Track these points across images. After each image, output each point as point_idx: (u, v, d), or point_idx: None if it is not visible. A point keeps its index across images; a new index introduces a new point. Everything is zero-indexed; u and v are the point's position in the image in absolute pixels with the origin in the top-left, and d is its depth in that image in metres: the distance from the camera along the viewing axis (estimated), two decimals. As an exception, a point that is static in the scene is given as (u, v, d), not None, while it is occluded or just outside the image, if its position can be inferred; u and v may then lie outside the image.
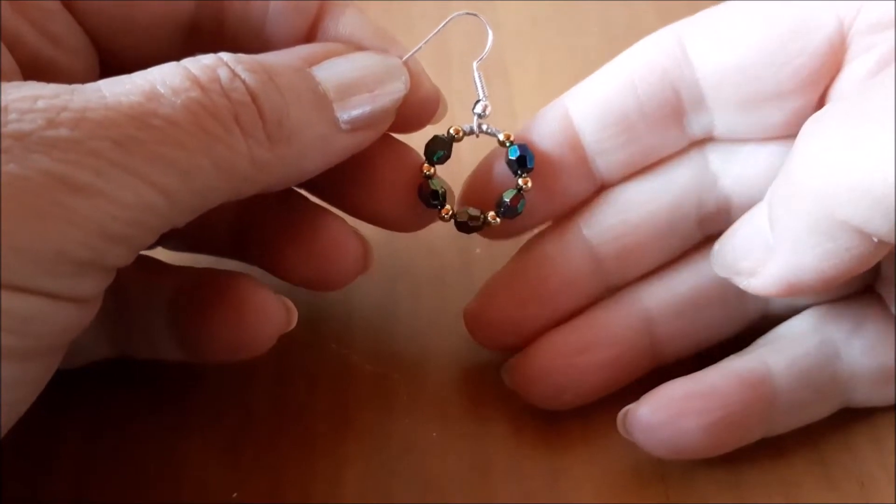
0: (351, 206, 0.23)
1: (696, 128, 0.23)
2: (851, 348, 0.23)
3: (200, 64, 0.18)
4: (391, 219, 0.23)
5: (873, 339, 0.23)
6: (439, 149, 0.22)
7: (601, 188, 0.24)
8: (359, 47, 0.21)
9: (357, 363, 0.25)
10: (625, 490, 0.22)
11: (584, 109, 0.23)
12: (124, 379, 0.24)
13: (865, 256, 0.19)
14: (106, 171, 0.16)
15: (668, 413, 0.22)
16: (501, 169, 0.23)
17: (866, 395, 0.23)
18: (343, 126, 0.20)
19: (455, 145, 0.22)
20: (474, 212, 0.22)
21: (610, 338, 0.23)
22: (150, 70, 0.18)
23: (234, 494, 0.22)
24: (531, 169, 0.22)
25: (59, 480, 0.22)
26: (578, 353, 0.23)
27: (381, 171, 0.22)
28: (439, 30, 0.22)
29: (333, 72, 0.20)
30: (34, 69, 0.19)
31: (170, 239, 0.24)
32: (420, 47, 0.22)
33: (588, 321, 0.24)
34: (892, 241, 0.18)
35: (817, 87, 0.21)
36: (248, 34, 0.21)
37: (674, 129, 0.23)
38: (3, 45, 0.19)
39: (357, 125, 0.20)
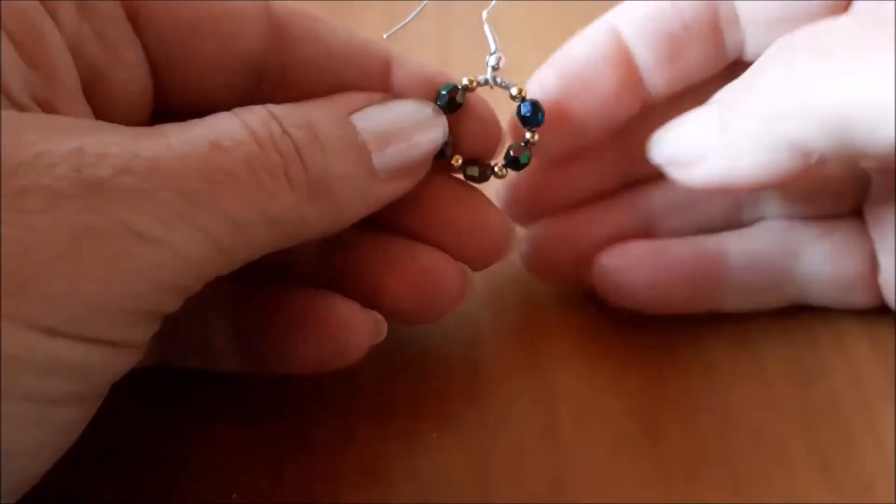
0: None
1: (730, 47, 0.24)
2: (813, 251, 0.24)
3: (255, 116, 0.19)
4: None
5: (838, 246, 0.24)
6: (453, 96, 0.22)
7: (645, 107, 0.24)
8: (398, 94, 0.22)
9: (357, 363, 0.25)
10: (625, 490, 0.22)
11: (633, 25, 0.23)
12: (123, 380, 0.24)
13: (799, 172, 0.20)
14: (173, 223, 0.16)
15: (622, 263, 0.24)
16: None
17: (823, 297, 0.25)
18: (381, 175, 0.20)
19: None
20: (482, 163, 0.23)
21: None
22: (208, 119, 0.18)
23: (234, 495, 0.22)
24: (541, 124, 0.23)
25: (58, 481, 0.22)
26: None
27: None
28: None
29: (372, 121, 0.20)
30: (90, 83, 0.19)
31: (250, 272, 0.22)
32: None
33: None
34: (829, 160, 0.20)
35: (844, 8, 0.22)
36: (314, 77, 0.21)
37: (713, 46, 0.23)
38: (68, 55, 0.18)
39: (395, 174, 0.21)
